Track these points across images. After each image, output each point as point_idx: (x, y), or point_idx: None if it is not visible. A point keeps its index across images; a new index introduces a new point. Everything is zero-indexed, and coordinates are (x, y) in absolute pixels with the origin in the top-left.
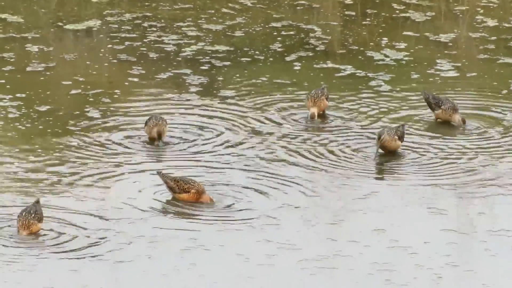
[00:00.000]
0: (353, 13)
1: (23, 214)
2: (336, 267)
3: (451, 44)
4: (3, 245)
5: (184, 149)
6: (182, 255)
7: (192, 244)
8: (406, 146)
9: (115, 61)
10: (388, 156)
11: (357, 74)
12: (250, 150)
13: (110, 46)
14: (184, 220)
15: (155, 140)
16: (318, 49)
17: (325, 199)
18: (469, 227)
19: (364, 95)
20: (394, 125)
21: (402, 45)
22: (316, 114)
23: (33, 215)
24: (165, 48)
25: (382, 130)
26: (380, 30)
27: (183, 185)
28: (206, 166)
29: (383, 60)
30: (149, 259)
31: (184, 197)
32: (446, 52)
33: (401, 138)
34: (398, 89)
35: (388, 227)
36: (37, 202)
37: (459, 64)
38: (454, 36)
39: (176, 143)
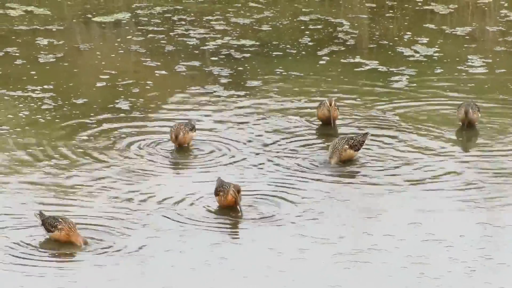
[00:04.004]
0: (375, 5)
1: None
2: (369, 260)
3: (477, 38)
4: (27, 243)
5: (215, 149)
6: (212, 249)
7: (223, 238)
8: (444, 140)
9: (142, 53)
10: (423, 151)
11: (379, 69)
12: (277, 146)
13: (137, 38)
14: (216, 215)
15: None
16: (348, 43)
17: (364, 194)
18: (504, 221)
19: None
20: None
21: (426, 40)
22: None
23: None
24: (191, 42)
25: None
26: (406, 23)
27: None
28: (240, 166)
29: (412, 56)
30: (178, 253)
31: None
32: (470, 46)
33: (353, 147)
34: (421, 85)
35: (424, 220)
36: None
37: (490, 60)
38: (479, 30)
39: (206, 147)
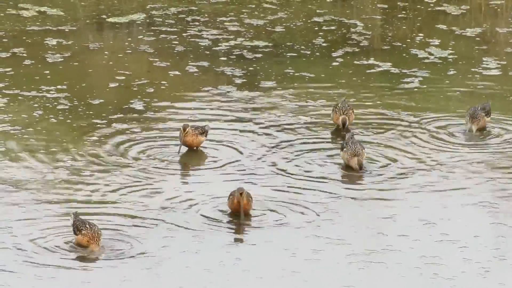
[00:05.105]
0: (386, 6)
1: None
2: (383, 261)
3: (488, 39)
4: (43, 246)
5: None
6: (227, 250)
7: (238, 239)
8: (457, 142)
9: (154, 54)
10: (437, 152)
11: (392, 71)
12: (291, 147)
13: (149, 39)
14: (230, 216)
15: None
16: (361, 44)
17: (378, 194)
18: None
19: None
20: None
21: (439, 42)
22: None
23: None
24: (203, 43)
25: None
26: (418, 24)
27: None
28: (254, 167)
29: (427, 58)
30: (193, 254)
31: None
32: (482, 47)
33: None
34: (433, 88)
35: (439, 221)
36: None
37: (504, 62)
38: (490, 31)
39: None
